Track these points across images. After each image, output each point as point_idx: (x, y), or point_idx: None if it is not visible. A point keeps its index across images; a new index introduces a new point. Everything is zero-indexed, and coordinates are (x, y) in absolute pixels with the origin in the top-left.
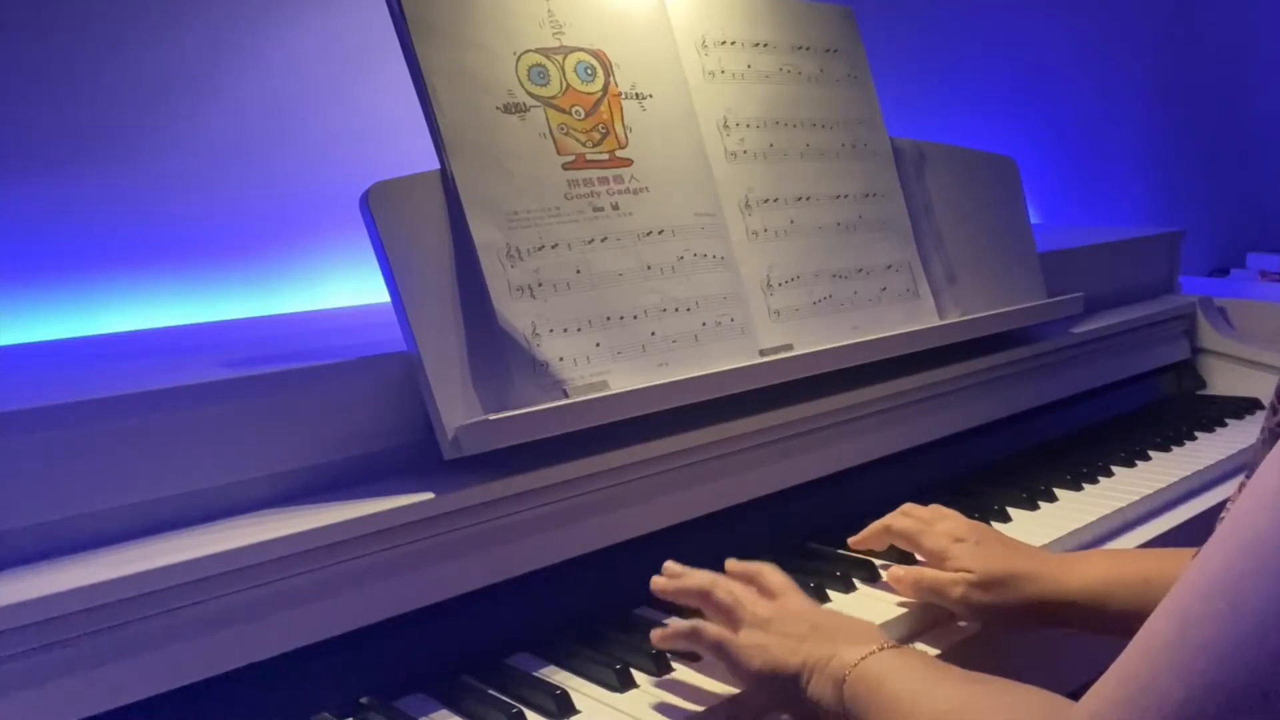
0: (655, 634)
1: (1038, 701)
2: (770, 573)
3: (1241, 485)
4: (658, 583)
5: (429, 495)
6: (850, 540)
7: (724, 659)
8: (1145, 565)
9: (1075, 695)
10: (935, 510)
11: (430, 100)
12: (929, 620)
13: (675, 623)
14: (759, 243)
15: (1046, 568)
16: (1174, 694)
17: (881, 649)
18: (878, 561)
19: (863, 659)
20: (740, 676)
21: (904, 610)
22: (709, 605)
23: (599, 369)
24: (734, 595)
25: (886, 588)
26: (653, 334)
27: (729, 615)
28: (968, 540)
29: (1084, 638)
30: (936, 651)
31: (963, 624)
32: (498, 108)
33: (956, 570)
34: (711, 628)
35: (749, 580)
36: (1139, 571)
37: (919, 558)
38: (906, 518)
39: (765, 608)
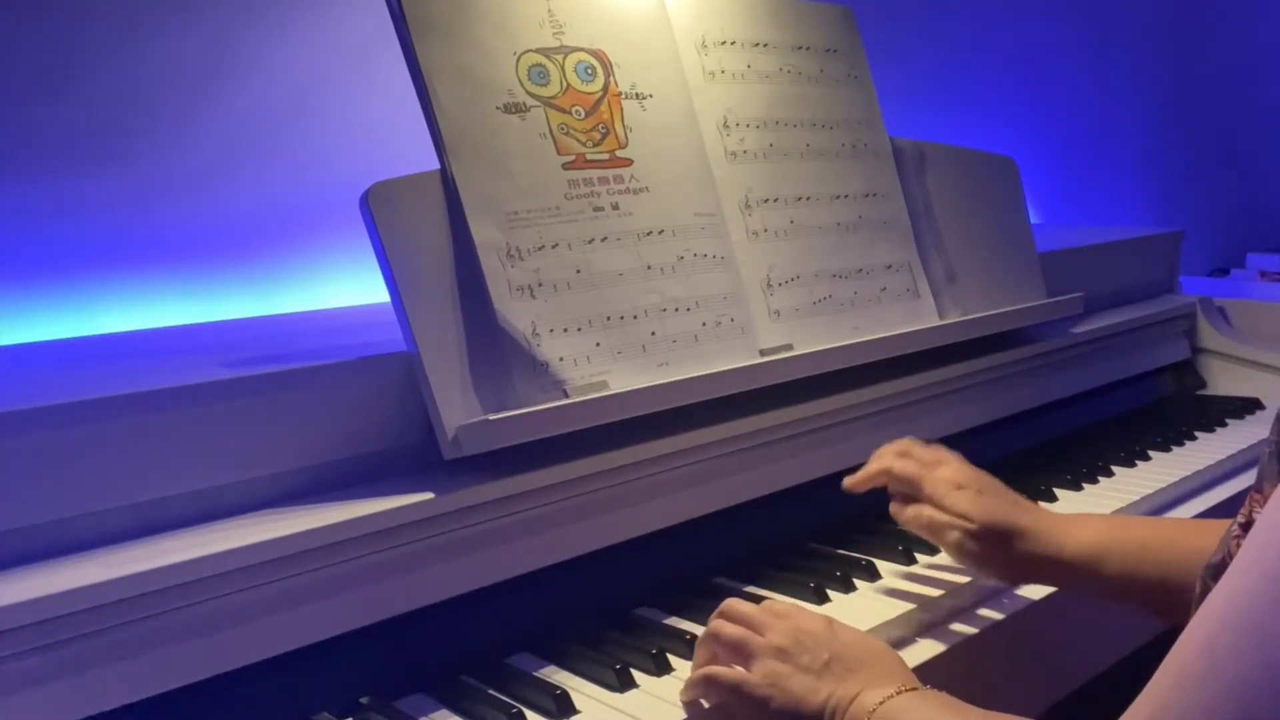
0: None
1: None
2: (772, 601)
3: (1251, 500)
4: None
5: (429, 495)
6: (845, 481)
7: (741, 700)
8: (1142, 531)
9: (1078, 693)
10: (936, 452)
11: (430, 100)
12: (929, 620)
13: (691, 675)
14: (759, 243)
15: (1044, 526)
16: None
17: (900, 691)
18: (878, 562)
19: (881, 704)
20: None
21: (904, 611)
22: (720, 644)
23: (599, 369)
24: (743, 620)
25: (886, 588)
26: (653, 334)
27: (741, 650)
28: (969, 488)
29: (1084, 637)
30: (939, 650)
31: (959, 627)
32: (498, 108)
33: (957, 515)
34: (725, 671)
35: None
36: (1135, 537)
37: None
38: (907, 459)
39: (778, 632)
